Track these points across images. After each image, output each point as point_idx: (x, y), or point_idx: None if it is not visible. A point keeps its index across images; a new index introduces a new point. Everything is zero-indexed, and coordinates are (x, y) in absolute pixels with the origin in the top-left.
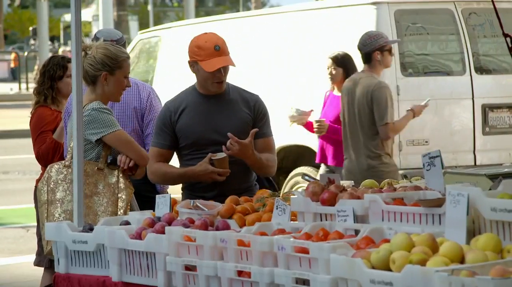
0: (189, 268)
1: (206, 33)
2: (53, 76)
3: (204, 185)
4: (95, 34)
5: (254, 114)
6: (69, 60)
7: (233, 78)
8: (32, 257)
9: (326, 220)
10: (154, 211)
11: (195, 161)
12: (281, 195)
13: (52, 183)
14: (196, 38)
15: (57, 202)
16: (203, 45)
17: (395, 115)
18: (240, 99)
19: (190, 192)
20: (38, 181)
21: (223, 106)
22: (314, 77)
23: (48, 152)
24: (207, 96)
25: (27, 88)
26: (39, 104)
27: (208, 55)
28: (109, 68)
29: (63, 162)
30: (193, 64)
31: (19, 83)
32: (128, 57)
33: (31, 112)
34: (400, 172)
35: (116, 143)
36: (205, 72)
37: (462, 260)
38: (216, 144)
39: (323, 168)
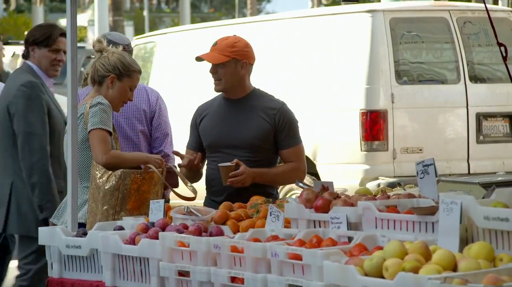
0: (183, 273)
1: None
2: None
3: (216, 189)
4: (106, 36)
5: (274, 124)
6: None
7: None
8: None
9: (320, 227)
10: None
11: (211, 163)
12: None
13: (125, 191)
14: None
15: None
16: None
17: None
18: (261, 107)
19: (208, 195)
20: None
21: (241, 112)
22: (308, 84)
23: None
24: (230, 101)
25: None
26: None
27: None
28: (119, 72)
29: (137, 171)
30: None
31: None
32: (140, 72)
33: None
34: (394, 179)
35: (90, 139)
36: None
37: (454, 268)
38: (230, 147)
39: None
